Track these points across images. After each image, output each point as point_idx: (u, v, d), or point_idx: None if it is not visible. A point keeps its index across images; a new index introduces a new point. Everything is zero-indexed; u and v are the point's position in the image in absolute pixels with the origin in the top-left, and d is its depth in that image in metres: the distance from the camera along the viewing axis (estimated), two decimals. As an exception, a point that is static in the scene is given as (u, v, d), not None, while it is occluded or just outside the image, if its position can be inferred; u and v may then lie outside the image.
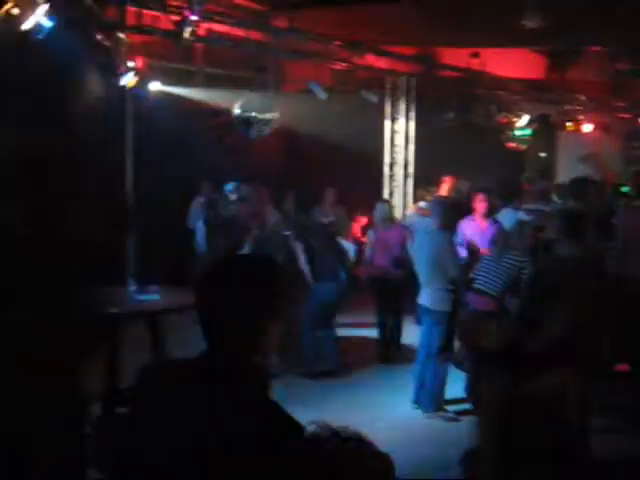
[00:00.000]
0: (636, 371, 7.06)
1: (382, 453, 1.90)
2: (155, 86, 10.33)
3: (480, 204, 8.76)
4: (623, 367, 7.15)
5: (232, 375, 2.07)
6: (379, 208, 9.34)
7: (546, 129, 16.98)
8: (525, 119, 15.66)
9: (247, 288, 2.13)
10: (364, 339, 9.62)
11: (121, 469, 2.23)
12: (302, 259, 8.24)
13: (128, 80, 9.33)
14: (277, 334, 2.19)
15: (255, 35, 9.91)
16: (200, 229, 10.00)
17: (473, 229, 8.58)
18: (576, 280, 5.67)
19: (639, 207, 9.18)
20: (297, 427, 2.00)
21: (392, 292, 9.02)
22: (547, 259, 6.49)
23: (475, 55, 13.56)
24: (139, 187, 10.37)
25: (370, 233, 9.29)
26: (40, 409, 3.73)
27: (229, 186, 10.06)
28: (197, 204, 11.15)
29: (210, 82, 12.20)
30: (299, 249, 8.28)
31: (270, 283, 2.18)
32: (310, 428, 1.92)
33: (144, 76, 9.95)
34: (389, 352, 9.00)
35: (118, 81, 9.23)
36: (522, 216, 8.27)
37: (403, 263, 8.63)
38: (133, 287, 7.04)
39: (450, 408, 7.18)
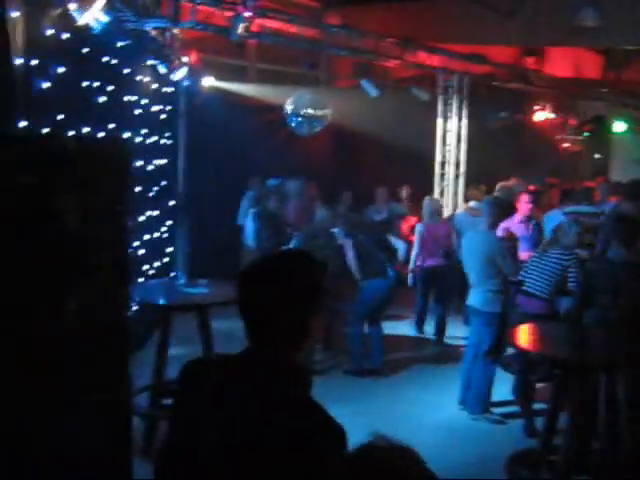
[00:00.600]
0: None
1: (420, 462, 1.86)
2: (208, 81, 10.43)
3: (524, 205, 8.63)
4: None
5: (271, 372, 2.08)
6: (427, 203, 9.44)
7: (601, 130, 16.74)
8: (579, 119, 15.47)
9: (287, 285, 2.12)
10: (410, 337, 9.61)
11: (164, 462, 2.25)
12: (350, 256, 8.20)
13: (181, 75, 9.43)
14: (319, 330, 2.18)
15: (308, 32, 9.93)
16: (249, 224, 10.06)
17: (515, 230, 8.42)
18: (626, 283, 5.58)
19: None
20: (333, 426, 1.99)
21: (439, 284, 9.26)
22: (597, 261, 6.39)
23: (530, 53, 13.44)
24: (191, 182, 10.47)
25: (418, 227, 9.30)
26: (85, 403, 3.77)
27: (272, 182, 10.10)
28: (247, 200, 11.21)
29: (263, 78, 12.28)
30: (348, 246, 8.24)
31: (310, 279, 2.17)
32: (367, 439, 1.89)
33: (197, 71, 10.05)
34: (432, 350, 9.03)
35: (171, 76, 9.34)
36: (565, 219, 8.14)
37: (450, 255, 8.95)
38: (183, 280, 7.14)
39: (496, 410, 7.12)
